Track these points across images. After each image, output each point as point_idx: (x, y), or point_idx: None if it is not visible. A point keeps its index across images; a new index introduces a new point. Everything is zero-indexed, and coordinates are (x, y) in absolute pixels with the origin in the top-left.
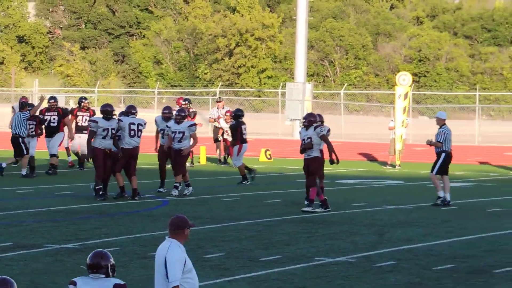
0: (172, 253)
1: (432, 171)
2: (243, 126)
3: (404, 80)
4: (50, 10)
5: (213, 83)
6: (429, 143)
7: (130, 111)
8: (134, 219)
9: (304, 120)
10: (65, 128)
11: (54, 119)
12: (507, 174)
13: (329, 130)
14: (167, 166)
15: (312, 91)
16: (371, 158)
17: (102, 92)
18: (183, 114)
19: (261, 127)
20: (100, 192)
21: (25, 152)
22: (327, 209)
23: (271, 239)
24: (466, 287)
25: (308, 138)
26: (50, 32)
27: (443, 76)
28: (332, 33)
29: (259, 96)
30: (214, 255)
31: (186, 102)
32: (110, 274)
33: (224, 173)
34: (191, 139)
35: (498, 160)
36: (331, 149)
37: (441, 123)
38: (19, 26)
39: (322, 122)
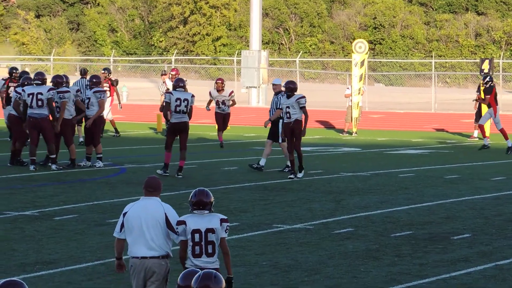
0: (171, 210)
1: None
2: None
3: (360, 47)
4: None
5: (168, 51)
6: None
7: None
8: (92, 186)
9: (286, 88)
10: None
11: None
12: (463, 141)
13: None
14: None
15: (268, 58)
16: (327, 125)
17: (57, 60)
18: (94, 80)
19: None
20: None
21: None
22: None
23: (228, 206)
24: (424, 254)
25: (287, 106)
26: (5, 0)
27: (399, 44)
28: (286, 1)
29: (215, 64)
30: None
31: (105, 71)
32: (212, 210)
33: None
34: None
35: (455, 127)
36: (306, 121)
37: (278, 90)
38: None
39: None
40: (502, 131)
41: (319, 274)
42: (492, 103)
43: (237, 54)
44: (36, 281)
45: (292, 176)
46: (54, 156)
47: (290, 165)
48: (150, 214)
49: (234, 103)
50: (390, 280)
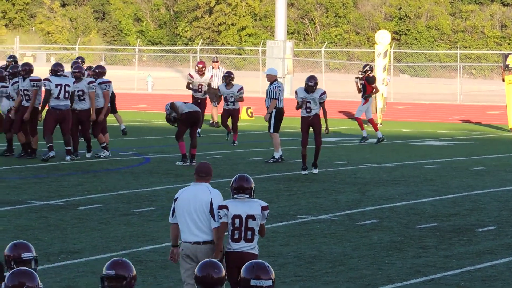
0: (218, 196)
1: (269, 130)
2: None
3: (383, 38)
4: None
5: (193, 41)
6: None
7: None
8: (117, 176)
9: (312, 83)
10: None
11: None
12: (489, 133)
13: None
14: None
15: (293, 49)
16: (352, 116)
17: (82, 49)
18: (97, 71)
19: (242, 85)
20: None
21: None
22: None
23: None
24: (449, 246)
25: (308, 101)
26: None
27: (424, 35)
28: None
29: (240, 54)
30: None
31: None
32: (253, 195)
33: (207, 131)
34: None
35: (480, 119)
36: (326, 116)
37: (272, 79)
38: None
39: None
40: (358, 120)
41: (343, 266)
42: (369, 92)
43: (262, 44)
44: (60, 270)
45: (305, 172)
46: (70, 148)
47: (302, 160)
48: (199, 200)
49: (241, 99)
50: (414, 272)
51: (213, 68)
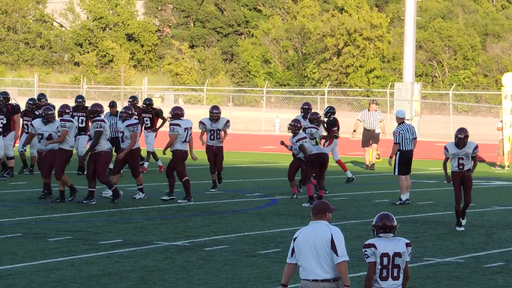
0: (338, 232)
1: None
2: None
3: (510, 80)
4: (159, 8)
5: (321, 83)
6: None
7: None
8: (243, 217)
9: (462, 135)
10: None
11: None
12: None
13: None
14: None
15: (421, 91)
16: (479, 159)
17: (210, 90)
18: (126, 112)
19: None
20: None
21: None
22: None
23: None
24: None
25: (460, 157)
26: (159, 30)
27: None
28: (440, 33)
29: (368, 96)
30: None
31: (132, 100)
32: (396, 233)
33: (334, 172)
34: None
35: None
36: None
37: (399, 121)
38: (128, 24)
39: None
40: (339, 162)
41: None
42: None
43: (390, 86)
44: None
45: (460, 228)
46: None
47: (456, 215)
48: (319, 237)
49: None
50: None
51: (369, 110)
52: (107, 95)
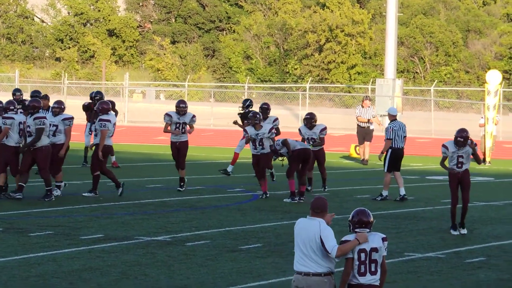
0: (326, 228)
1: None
2: None
3: (493, 77)
4: (140, 4)
5: (303, 79)
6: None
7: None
8: (224, 212)
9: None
10: None
11: None
12: None
13: None
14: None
15: (402, 87)
16: None
17: (192, 86)
18: (62, 107)
19: (351, 123)
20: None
21: None
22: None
23: None
24: None
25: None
26: (140, 26)
27: None
28: (422, 30)
29: (349, 92)
30: None
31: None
32: (372, 229)
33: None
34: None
35: None
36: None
37: (391, 118)
38: (109, 20)
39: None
40: (236, 155)
41: None
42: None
43: (372, 82)
44: None
45: (455, 232)
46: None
47: (451, 218)
48: (308, 232)
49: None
50: None
51: (362, 106)
52: (88, 90)
